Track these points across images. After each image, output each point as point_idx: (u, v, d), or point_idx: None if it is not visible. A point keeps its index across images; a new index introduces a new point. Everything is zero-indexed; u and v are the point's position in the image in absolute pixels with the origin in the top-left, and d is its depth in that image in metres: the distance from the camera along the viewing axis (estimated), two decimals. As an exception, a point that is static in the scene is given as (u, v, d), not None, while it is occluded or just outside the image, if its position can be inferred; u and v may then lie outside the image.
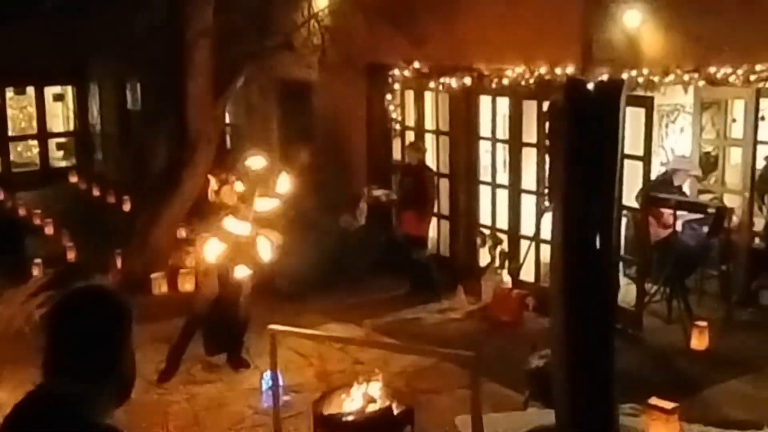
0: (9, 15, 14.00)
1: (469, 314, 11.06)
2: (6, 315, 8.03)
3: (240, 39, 12.71)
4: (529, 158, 11.29)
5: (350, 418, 7.31)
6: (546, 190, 10.74)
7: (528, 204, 11.39)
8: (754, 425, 7.51)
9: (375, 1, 11.97)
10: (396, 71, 12.31)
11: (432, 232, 12.30)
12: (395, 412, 7.44)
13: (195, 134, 12.42)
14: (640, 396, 7.51)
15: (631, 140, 9.84)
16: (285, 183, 9.12)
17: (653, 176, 10.61)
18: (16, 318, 7.94)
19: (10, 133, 18.37)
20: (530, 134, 11.14)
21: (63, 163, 19.06)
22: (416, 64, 12.01)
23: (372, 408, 7.36)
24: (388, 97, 12.57)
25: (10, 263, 11.28)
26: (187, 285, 11.85)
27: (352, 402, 7.42)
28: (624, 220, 10.76)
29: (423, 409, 7.90)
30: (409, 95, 12.71)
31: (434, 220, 12.26)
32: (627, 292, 10.46)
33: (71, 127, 19.08)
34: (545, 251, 10.58)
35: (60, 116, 19.13)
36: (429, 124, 12.66)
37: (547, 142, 10.64)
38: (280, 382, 7.92)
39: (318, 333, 9.43)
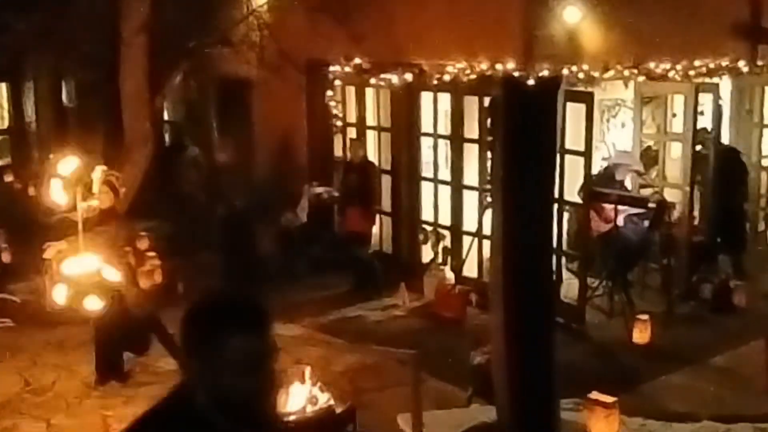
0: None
1: (412, 311, 11.10)
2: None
3: (178, 35, 12.61)
4: (471, 154, 11.35)
5: (292, 417, 7.30)
6: (488, 186, 10.81)
7: (470, 200, 11.46)
8: (693, 417, 7.63)
9: (315, -3, 11.97)
10: (336, 67, 12.31)
11: (375, 229, 12.31)
12: (337, 411, 7.45)
13: (132, 132, 12.29)
14: (583, 390, 7.57)
15: (573, 135, 9.96)
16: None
17: (595, 171, 10.74)
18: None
19: (-58, 132, 18.02)
20: (472, 130, 11.20)
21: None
22: (357, 60, 12.01)
23: (313, 408, 7.36)
24: (329, 93, 12.57)
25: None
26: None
27: (293, 402, 7.41)
28: (566, 215, 10.89)
29: (366, 407, 7.92)
30: (350, 91, 12.70)
31: (377, 216, 12.27)
32: (569, 286, 10.57)
33: (5, 125, 18.77)
34: (487, 247, 10.63)
35: (-6, 114, 18.81)
36: (370, 120, 12.66)
37: (489, 138, 10.72)
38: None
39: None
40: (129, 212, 11.83)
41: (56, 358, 9.86)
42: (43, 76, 17.40)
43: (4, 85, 18.25)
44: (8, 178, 17.21)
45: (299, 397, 7.40)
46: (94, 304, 8.77)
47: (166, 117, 15.65)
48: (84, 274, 8.66)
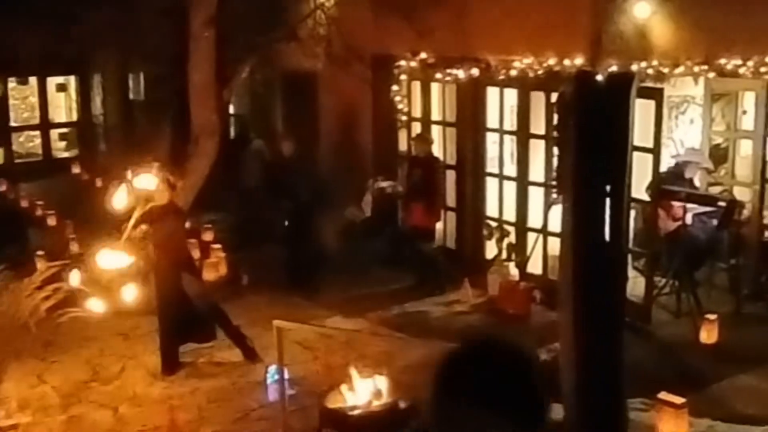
0: (11, 4, 14.01)
1: (476, 307, 11.08)
2: (11, 308, 8.05)
3: (245, 29, 12.71)
4: (537, 150, 11.30)
5: (356, 412, 7.34)
6: (554, 182, 10.75)
7: (535, 196, 11.40)
8: (762, 420, 7.53)
9: (381, -9, 11.99)
10: (402, 62, 12.32)
11: (439, 224, 12.31)
12: (402, 406, 7.48)
13: (198, 125, 12.41)
14: (649, 390, 7.52)
15: (641, 132, 9.84)
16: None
17: (663, 168, 10.62)
18: (20, 311, 7.96)
19: (12, 124, 18.37)
20: (538, 126, 11.15)
21: (65, 154, 19.06)
22: (423, 55, 12.01)
23: (378, 403, 7.39)
24: (395, 88, 12.57)
25: (13, 255, 11.29)
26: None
27: (357, 396, 7.45)
28: (633, 213, 10.77)
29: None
30: (416, 86, 12.70)
31: (441, 212, 12.26)
32: (636, 285, 10.46)
33: (74, 118, 19.08)
34: (553, 244, 10.61)
35: (63, 106, 19.13)
36: (436, 115, 12.66)
37: (556, 134, 10.65)
38: (286, 376, 7.95)
39: (323, 326, 9.46)
40: (195, 205, 11.99)
41: (123, 348, 10.02)
42: (110, 69, 17.69)
43: (72, 79, 18.59)
44: (75, 170, 17.53)
45: (364, 391, 7.44)
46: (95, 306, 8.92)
47: (232, 110, 15.80)
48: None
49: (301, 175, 12.48)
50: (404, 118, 12.76)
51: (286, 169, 13.49)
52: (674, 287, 10.52)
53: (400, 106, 12.68)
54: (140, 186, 8.96)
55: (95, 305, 8.80)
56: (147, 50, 14.44)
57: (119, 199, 9.01)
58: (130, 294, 9.19)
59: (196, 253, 11.71)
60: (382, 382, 7.52)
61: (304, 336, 9.54)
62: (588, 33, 10.04)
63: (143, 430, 8.19)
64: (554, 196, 10.64)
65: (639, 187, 10.22)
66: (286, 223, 12.21)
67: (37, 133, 18.78)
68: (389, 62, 12.44)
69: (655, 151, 9.92)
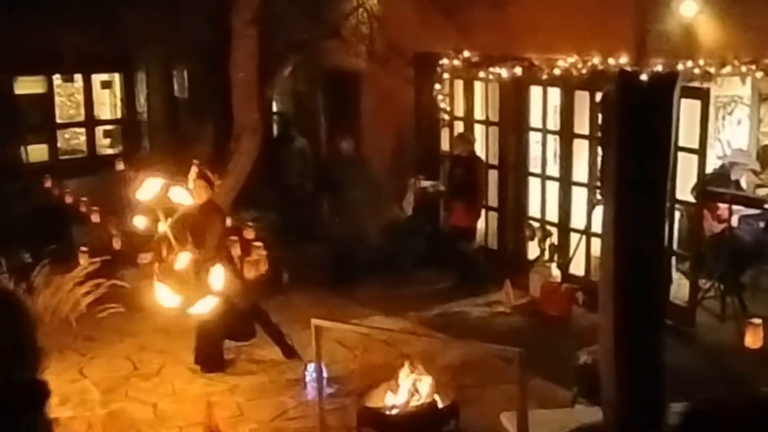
0: (57, 2, 14.15)
1: (517, 308, 11.03)
2: (53, 303, 8.15)
3: (288, 27, 12.75)
4: (581, 150, 11.23)
5: (394, 411, 7.34)
6: (597, 183, 10.69)
7: (579, 196, 11.33)
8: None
9: (424, -10, 11.97)
10: (445, 60, 12.28)
11: (480, 224, 12.27)
12: (440, 406, 7.46)
13: (241, 123, 12.49)
14: (692, 395, 7.43)
15: (687, 133, 9.76)
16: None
17: (709, 169, 10.50)
18: (62, 306, 8.07)
19: (57, 121, 18.54)
20: (582, 125, 11.08)
21: (110, 151, 19.18)
22: (466, 54, 11.96)
23: (416, 402, 7.39)
24: (437, 86, 12.55)
25: (57, 251, 11.42)
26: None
27: (396, 395, 7.45)
28: (678, 214, 10.67)
29: (468, 404, 7.91)
30: (459, 85, 12.67)
31: (483, 211, 12.23)
32: (680, 287, 10.37)
33: (118, 115, 19.23)
34: (596, 244, 10.53)
35: (107, 104, 19.27)
36: (478, 114, 12.62)
37: (600, 134, 10.59)
38: (324, 374, 7.96)
39: (363, 325, 9.47)
40: (237, 203, 12.07)
41: (163, 344, 10.09)
42: (154, 66, 17.80)
43: (117, 76, 18.73)
44: (119, 166, 17.67)
45: (402, 390, 7.44)
46: (203, 307, 8.99)
47: (274, 108, 15.85)
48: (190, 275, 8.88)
49: (343, 174, 12.50)
50: (446, 117, 12.74)
51: (328, 168, 13.54)
52: (719, 290, 10.40)
53: (442, 105, 12.66)
54: (148, 196, 8.89)
55: (170, 299, 8.86)
56: (190, 48, 14.53)
57: (146, 191, 8.97)
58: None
59: (237, 251, 11.76)
60: (421, 382, 7.51)
61: (344, 335, 9.55)
62: (633, 31, 9.94)
63: (182, 427, 8.25)
64: (598, 196, 10.57)
65: (684, 188, 10.13)
66: (337, 219, 12.27)
67: (82, 130, 18.95)
68: (432, 61, 12.42)
69: (701, 152, 9.81)
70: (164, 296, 8.88)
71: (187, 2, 13.40)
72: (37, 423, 3.31)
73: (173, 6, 13.59)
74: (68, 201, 15.25)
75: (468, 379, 8.80)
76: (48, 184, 15.39)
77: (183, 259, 8.83)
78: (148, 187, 8.85)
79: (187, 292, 8.87)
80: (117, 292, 9.58)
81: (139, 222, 9.20)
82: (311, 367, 8.49)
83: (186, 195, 9.11)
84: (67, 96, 18.91)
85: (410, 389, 7.45)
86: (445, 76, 12.49)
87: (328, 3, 13.44)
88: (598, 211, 10.63)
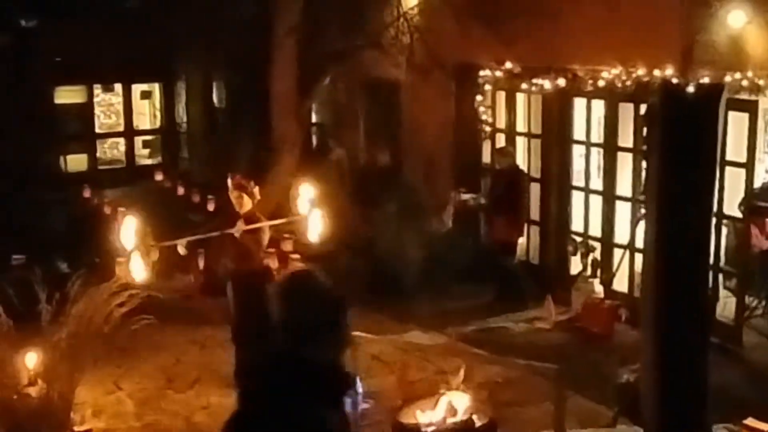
0: (97, 12, 14.33)
1: (558, 325, 10.94)
2: (87, 314, 8.19)
3: (327, 37, 12.79)
4: (625, 163, 11.14)
5: (430, 429, 7.28)
6: (642, 197, 10.58)
7: (623, 211, 11.23)
8: None
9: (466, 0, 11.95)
10: (486, 72, 12.25)
11: (522, 239, 12.20)
12: (477, 424, 7.40)
13: (280, 133, 12.55)
14: (736, 416, 7.32)
15: (734, 146, 9.65)
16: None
17: (757, 184, 10.36)
18: (96, 317, 8.11)
19: (96, 131, 18.74)
20: (626, 138, 10.99)
21: (149, 161, 19.38)
22: (508, 65, 11.92)
23: (453, 419, 7.33)
24: (478, 98, 12.51)
25: (95, 261, 11.50)
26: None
27: (433, 412, 7.40)
28: (725, 230, 10.54)
29: (506, 421, 7.84)
30: (500, 96, 12.63)
31: (525, 226, 12.16)
32: (726, 305, 10.23)
33: (157, 125, 19.41)
34: (640, 260, 10.40)
35: (147, 114, 19.47)
36: (521, 126, 12.57)
37: (644, 147, 10.48)
38: (359, 389, 7.93)
39: (400, 339, 9.44)
40: (274, 214, 12.08)
41: (198, 357, 10.13)
42: (194, 76, 17.96)
43: (156, 86, 18.91)
44: (158, 177, 17.81)
45: (439, 407, 7.39)
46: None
47: (313, 119, 15.90)
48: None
49: (382, 186, 12.50)
50: (488, 129, 12.69)
51: (367, 180, 13.54)
52: (767, 308, 10.26)
53: (483, 117, 12.61)
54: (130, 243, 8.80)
55: None
56: (230, 58, 14.63)
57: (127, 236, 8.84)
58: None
59: (274, 263, 11.78)
60: (458, 399, 7.46)
61: (381, 349, 9.53)
62: (679, 42, 9.85)
63: (216, 441, 8.24)
64: (642, 211, 10.46)
65: (731, 203, 10.00)
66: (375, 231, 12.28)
67: (121, 140, 19.13)
68: (473, 72, 12.39)
69: (749, 166, 9.70)
70: None
71: (227, 12, 13.49)
72: (335, 415, 3.37)
73: (213, 16, 13.69)
74: (106, 211, 15.39)
75: (507, 397, 8.72)
76: (87, 194, 15.55)
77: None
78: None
79: None
80: (152, 304, 9.59)
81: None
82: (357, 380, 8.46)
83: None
84: (107, 106, 19.14)
85: (447, 406, 7.39)
86: (487, 87, 12.45)
87: (368, 13, 13.46)
88: (643, 226, 10.55)
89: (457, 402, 7.41)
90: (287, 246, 13.25)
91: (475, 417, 7.41)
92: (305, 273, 3.70)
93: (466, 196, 12.60)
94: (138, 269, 8.46)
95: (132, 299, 8.55)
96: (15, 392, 7.76)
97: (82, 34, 14.18)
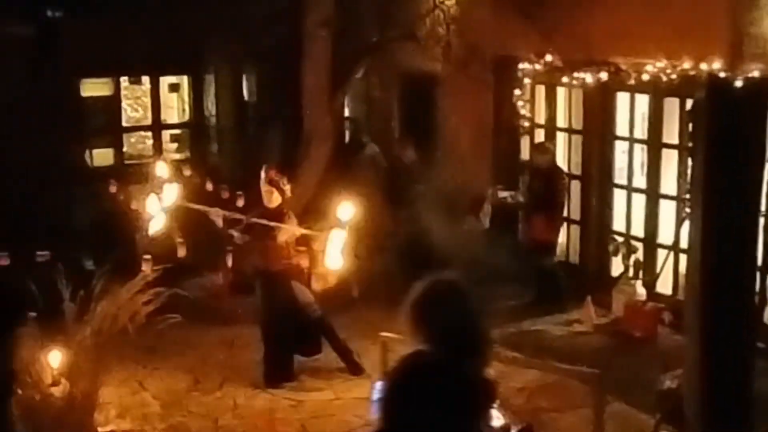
0: (124, 2, 14.40)
1: (598, 328, 10.89)
2: (112, 312, 8.26)
3: (361, 29, 12.80)
4: (670, 160, 11.07)
5: (464, 434, 7.28)
6: (687, 196, 10.52)
7: (667, 210, 11.16)
8: None
9: (505, -11, 11.93)
10: (526, 65, 12.21)
11: (561, 238, 12.16)
12: (513, 430, 7.38)
13: (312, 128, 12.57)
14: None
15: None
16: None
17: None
18: (121, 315, 8.17)
19: (123, 124, 18.82)
20: (671, 134, 10.92)
21: (176, 156, 19.42)
22: (548, 58, 11.87)
23: (488, 425, 7.32)
24: (517, 92, 12.48)
25: (121, 258, 11.59)
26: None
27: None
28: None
29: (544, 428, 7.84)
30: (540, 90, 12.60)
31: (564, 225, 12.12)
32: (774, 309, 10.13)
33: (186, 119, 19.47)
34: (684, 261, 10.35)
35: (175, 107, 19.51)
36: (561, 121, 12.53)
37: (690, 144, 10.42)
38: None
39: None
40: (305, 211, 12.11)
41: (226, 357, 10.19)
42: (223, 69, 18.00)
43: (185, 78, 18.97)
44: (186, 172, 17.87)
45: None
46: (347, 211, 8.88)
47: (346, 113, 15.90)
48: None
49: (418, 183, 12.49)
50: (527, 124, 12.66)
51: (402, 176, 13.53)
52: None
53: (522, 112, 12.57)
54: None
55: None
56: (260, 50, 14.67)
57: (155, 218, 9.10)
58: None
59: (305, 262, 11.81)
60: (494, 404, 7.44)
61: (414, 351, 9.51)
62: (727, 35, 9.78)
63: (243, 443, 8.31)
64: (687, 210, 10.39)
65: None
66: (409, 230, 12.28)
67: (148, 134, 19.20)
68: (512, 65, 12.36)
69: (800, 163, 9.60)
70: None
71: (257, 3, 13.53)
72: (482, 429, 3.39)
73: (243, 7, 13.73)
74: (133, 207, 15.48)
75: (544, 402, 8.71)
76: (113, 189, 15.66)
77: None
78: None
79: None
80: (178, 302, 9.67)
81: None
82: (379, 385, 8.47)
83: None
84: (134, 99, 19.22)
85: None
86: (526, 80, 12.41)
87: (403, 3, 13.46)
88: (687, 226, 10.48)
89: (493, 407, 7.39)
90: (319, 245, 13.28)
91: (511, 423, 7.39)
92: (453, 282, 3.75)
93: (503, 194, 12.56)
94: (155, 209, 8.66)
95: (158, 297, 8.62)
96: (38, 392, 7.83)
97: (108, 25, 14.25)
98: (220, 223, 9.69)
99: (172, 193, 9.28)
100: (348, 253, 8.93)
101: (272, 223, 9.35)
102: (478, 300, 3.66)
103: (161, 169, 9.54)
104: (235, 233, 9.73)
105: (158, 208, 9.16)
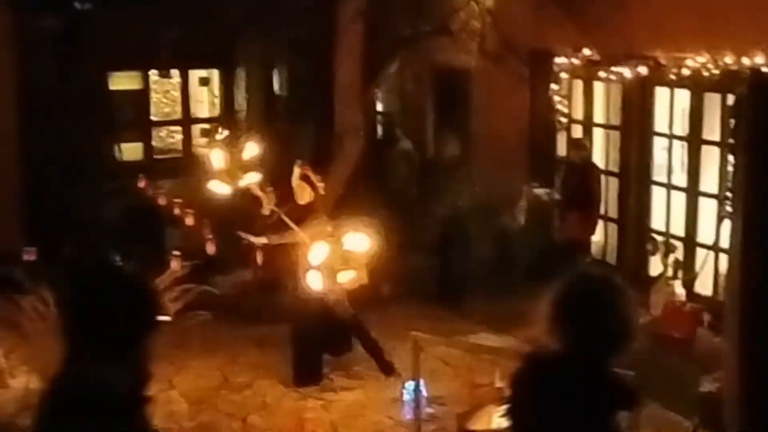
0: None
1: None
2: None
3: (394, 22, 12.80)
4: (710, 158, 11.00)
5: (497, 436, 7.28)
6: (728, 194, 10.46)
7: (707, 208, 11.09)
8: None
9: (541, -18, 11.91)
10: (563, 59, 12.19)
11: (597, 237, 12.12)
12: (547, 432, 7.38)
13: (343, 123, 12.59)
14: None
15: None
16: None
17: None
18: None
19: (152, 118, 18.90)
20: (712, 131, 10.86)
21: (206, 151, 19.50)
22: (585, 52, 11.85)
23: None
24: (554, 87, 12.46)
25: (149, 254, 11.66)
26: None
27: (501, 420, 7.38)
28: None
29: (579, 430, 7.80)
30: (577, 85, 12.57)
31: (600, 223, 12.08)
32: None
33: (216, 113, 19.54)
34: (724, 261, 10.30)
35: (205, 101, 19.60)
36: (598, 117, 12.49)
37: (732, 140, 10.36)
38: (424, 393, 7.96)
39: (466, 341, 9.44)
40: (336, 208, 12.14)
41: (255, 356, 10.23)
42: (254, 63, 18.06)
43: (215, 72, 19.05)
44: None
45: (506, 414, 7.37)
46: (348, 277, 8.82)
47: (378, 108, 15.92)
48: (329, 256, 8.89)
49: (452, 179, 12.48)
50: (563, 119, 12.63)
51: (436, 172, 13.53)
52: None
53: (559, 107, 12.56)
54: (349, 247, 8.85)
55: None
56: (292, 43, 14.70)
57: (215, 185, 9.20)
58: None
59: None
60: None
61: (447, 351, 9.53)
62: (771, 28, 9.71)
63: (272, 443, 8.35)
64: (728, 209, 10.35)
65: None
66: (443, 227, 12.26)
67: (178, 128, 19.28)
68: (548, 59, 12.34)
69: None
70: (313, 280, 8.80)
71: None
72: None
73: (274, 0, 13.77)
74: (162, 202, 15.57)
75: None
76: (142, 184, 15.75)
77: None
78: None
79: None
80: (207, 300, 9.73)
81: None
82: (410, 385, 8.49)
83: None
84: (163, 93, 19.31)
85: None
86: (563, 75, 12.39)
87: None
88: (728, 225, 10.42)
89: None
90: (349, 241, 13.31)
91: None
92: (606, 276, 3.69)
93: (539, 191, 12.56)
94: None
95: (187, 294, 8.67)
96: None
97: (138, 17, 14.32)
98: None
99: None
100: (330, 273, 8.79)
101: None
102: (627, 297, 3.56)
103: (216, 157, 9.52)
104: (253, 238, 9.80)
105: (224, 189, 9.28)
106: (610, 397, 3.33)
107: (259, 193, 9.68)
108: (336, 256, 8.48)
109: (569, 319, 3.43)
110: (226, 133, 9.60)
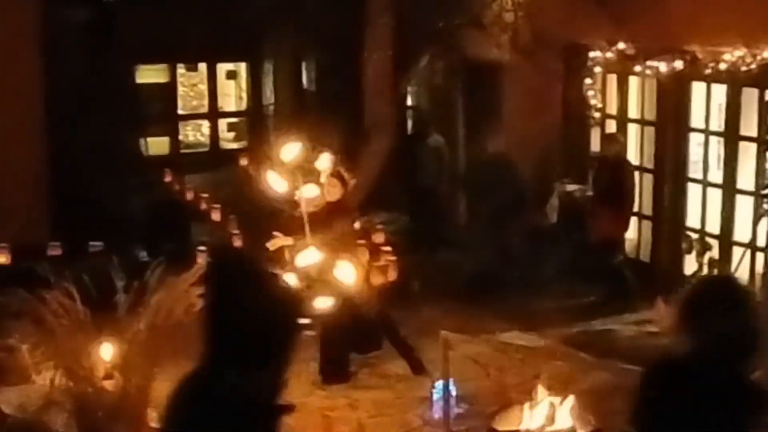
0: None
1: (670, 329, 10.78)
2: (166, 304, 8.34)
3: (425, 15, 12.80)
4: (747, 154, 10.96)
5: (528, 437, 7.30)
6: (765, 191, 10.42)
7: (744, 206, 11.05)
8: None
9: (575, -26, 11.88)
10: (597, 53, 12.16)
11: (631, 234, 12.09)
12: (580, 433, 7.39)
13: (373, 118, 12.62)
14: None
15: None
16: None
17: None
18: (175, 308, 8.25)
19: (179, 112, 18.94)
20: (749, 126, 10.82)
21: (233, 145, 19.51)
22: (620, 45, 11.82)
23: (553, 428, 7.33)
24: (588, 81, 12.43)
25: (175, 249, 11.71)
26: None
27: (531, 420, 7.40)
28: None
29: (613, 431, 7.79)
30: (612, 80, 12.53)
31: (634, 220, 12.04)
32: None
33: (243, 107, 19.57)
34: (761, 260, 10.27)
35: (232, 95, 19.63)
36: (633, 112, 12.45)
37: (770, 137, 10.34)
38: (453, 392, 7.96)
39: (497, 340, 9.44)
40: (365, 204, 12.17)
41: (282, 353, 10.23)
42: (283, 56, 18.09)
43: (243, 66, 19.08)
44: (243, 162, 17.98)
45: (538, 414, 7.39)
46: (323, 304, 8.98)
47: (409, 102, 15.92)
48: (315, 269, 8.93)
49: (484, 175, 12.48)
50: (597, 114, 12.60)
51: (467, 168, 13.52)
52: None
53: (593, 102, 12.53)
54: (288, 158, 9.00)
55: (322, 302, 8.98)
56: (321, 36, 14.73)
57: (274, 180, 9.20)
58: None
59: (364, 256, 11.85)
60: (559, 406, 7.44)
61: (478, 350, 9.54)
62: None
63: (299, 441, 8.36)
64: (765, 206, 10.31)
65: None
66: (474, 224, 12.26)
67: (205, 122, 19.31)
68: (582, 53, 12.32)
69: None
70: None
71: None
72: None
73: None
74: (188, 197, 15.62)
75: (613, 405, 8.64)
76: (168, 179, 15.81)
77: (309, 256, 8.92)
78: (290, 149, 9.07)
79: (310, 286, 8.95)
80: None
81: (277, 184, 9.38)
82: (439, 384, 8.50)
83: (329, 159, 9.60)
84: (190, 86, 19.34)
85: (547, 414, 7.39)
86: (597, 69, 12.36)
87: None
88: (765, 223, 10.39)
89: (558, 409, 7.40)
90: (378, 237, 13.32)
91: (577, 426, 7.39)
92: (735, 279, 3.71)
93: (572, 188, 12.53)
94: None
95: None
96: (91, 385, 7.94)
97: (165, 10, 14.38)
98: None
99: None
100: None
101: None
102: (753, 301, 3.59)
103: (290, 150, 9.47)
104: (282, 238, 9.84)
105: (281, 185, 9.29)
106: (747, 401, 3.33)
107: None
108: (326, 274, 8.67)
109: (705, 323, 3.42)
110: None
